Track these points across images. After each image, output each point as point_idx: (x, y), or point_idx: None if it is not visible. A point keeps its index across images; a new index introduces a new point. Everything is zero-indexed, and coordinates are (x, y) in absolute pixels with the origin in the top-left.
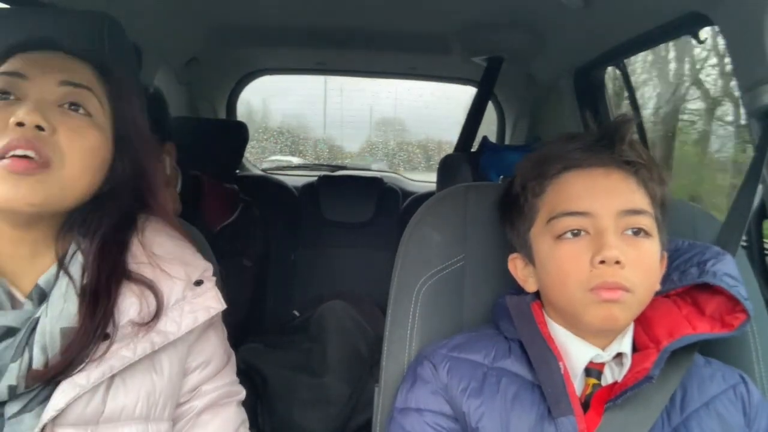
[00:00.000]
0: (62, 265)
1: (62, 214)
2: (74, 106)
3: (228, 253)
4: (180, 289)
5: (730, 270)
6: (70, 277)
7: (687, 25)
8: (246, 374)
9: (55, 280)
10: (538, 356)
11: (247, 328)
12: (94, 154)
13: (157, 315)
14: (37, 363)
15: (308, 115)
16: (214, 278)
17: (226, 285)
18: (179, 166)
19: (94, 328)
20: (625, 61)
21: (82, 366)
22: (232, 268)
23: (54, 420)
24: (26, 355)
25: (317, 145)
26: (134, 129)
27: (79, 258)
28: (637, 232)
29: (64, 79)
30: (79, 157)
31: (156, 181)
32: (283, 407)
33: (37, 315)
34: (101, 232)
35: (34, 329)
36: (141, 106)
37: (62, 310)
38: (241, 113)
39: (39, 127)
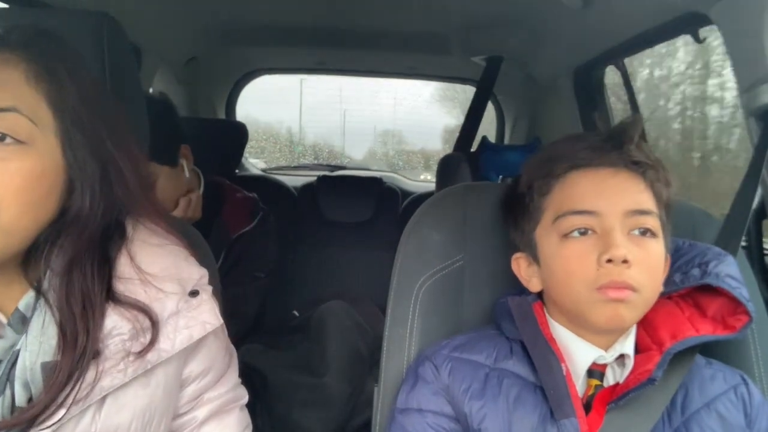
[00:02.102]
0: (39, 291)
1: (23, 249)
2: (0, 135)
3: (241, 262)
4: (174, 302)
5: (732, 271)
6: (49, 305)
7: (686, 25)
8: (245, 374)
9: (35, 303)
10: (541, 358)
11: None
12: (31, 190)
13: (152, 342)
14: (20, 400)
15: (331, 132)
16: (210, 288)
17: (233, 294)
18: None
19: (74, 366)
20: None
21: (69, 405)
22: (243, 277)
23: None
24: (8, 392)
25: (341, 158)
26: (88, 126)
27: (55, 283)
28: (644, 232)
29: None
30: (16, 198)
31: (131, 176)
32: (282, 407)
33: (17, 347)
34: (67, 259)
35: (15, 363)
36: (96, 91)
37: (41, 343)
38: (284, 136)
39: None
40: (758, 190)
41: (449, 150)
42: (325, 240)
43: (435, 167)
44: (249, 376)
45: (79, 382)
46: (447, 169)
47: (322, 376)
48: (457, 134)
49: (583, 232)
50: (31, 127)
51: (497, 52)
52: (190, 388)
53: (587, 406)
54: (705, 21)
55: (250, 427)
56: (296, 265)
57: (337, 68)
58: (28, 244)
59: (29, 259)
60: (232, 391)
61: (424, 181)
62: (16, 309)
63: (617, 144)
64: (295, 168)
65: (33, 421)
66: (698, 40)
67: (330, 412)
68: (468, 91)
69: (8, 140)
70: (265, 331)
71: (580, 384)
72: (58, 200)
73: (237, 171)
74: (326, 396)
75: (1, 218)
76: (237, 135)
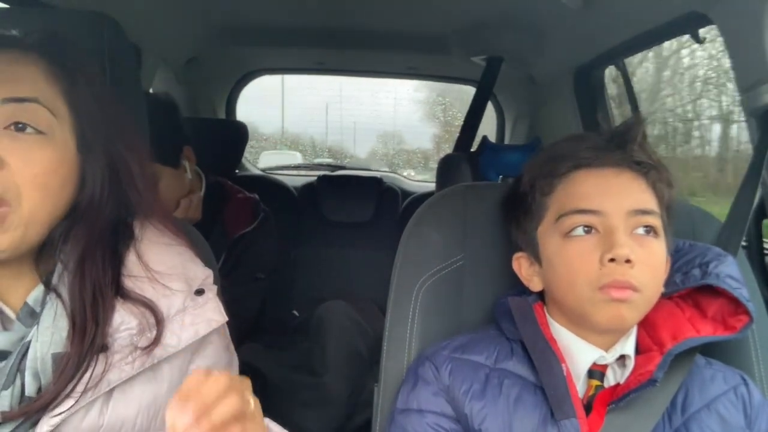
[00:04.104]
0: (49, 285)
1: (39, 241)
2: (21, 125)
3: (242, 263)
4: (180, 300)
5: (733, 272)
6: (60, 298)
7: (686, 25)
8: (245, 374)
9: (44, 298)
10: (541, 358)
11: (247, 328)
12: (51, 177)
13: (156, 339)
14: (30, 390)
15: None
16: (215, 287)
17: (234, 295)
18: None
19: (83, 357)
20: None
21: (78, 396)
22: (243, 277)
23: None
24: (18, 382)
25: (343, 157)
26: (100, 124)
27: (66, 277)
28: (647, 231)
29: (6, 95)
30: (36, 187)
31: (139, 176)
32: (282, 407)
33: (28, 338)
34: (79, 250)
35: (25, 354)
36: (108, 93)
37: (53, 334)
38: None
39: None
40: (758, 190)
41: (437, 149)
42: (325, 240)
43: (421, 164)
44: (249, 375)
45: (88, 373)
46: (447, 169)
47: (322, 375)
48: (447, 135)
49: (586, 231)
50: (50, 118)
51: (497, 53)
52: None
53: (588, 407)
54: (705, 21)
55: None
56: (296, 265)
57: (337, 68)
58: (43, 237)
59: (41, 254)
60: None
61: (408, 177)
62: (26, 303)
63: (620, 144)
64: (295, 168)
65: (42, 410)
66: (698, 41)
67: (330, 411)
68: (454, 108)
69: (29, 130)
70: (265, 331)
71: (580, 385)
72: (72, 193)
73: (237, 171)
74: (326, 396)
75: (22, 209)
76: (237, 135)
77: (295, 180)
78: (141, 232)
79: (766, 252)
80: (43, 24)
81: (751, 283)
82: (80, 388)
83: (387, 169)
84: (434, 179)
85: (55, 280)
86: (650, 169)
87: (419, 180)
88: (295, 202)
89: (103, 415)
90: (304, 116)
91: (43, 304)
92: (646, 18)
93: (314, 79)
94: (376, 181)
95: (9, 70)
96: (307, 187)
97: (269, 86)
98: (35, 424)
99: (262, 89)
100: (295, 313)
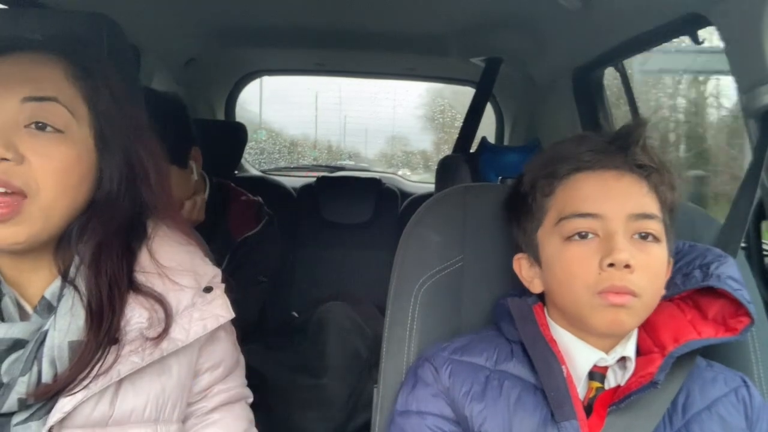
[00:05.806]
0: (66, 277)
1: (58, 232)
2: (41, 124)
3: (245, 265)
4: (189, 296)
5: (733, 273)
6: (77, 290)
7: (686, 26)
8: (246, 375)
9: (61, 291)
10: (541, 359)
11: (247, 330)
12: (69, 173)
13: (165, 330)
14: (47, 377)
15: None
16: (223, 285)
17: (236, 297)
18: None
19: (99, 344)
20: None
21: (89, 381)
22: (246, 280)
23: (61, 422)
24: (35, 369)
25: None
26: (118, 125)
27: (83, 270)
28: (646, 236)
29: (27, 95)
30: (54, 181)
31: (154, 176)
32: (282, 408)
33: (45, 328)
34: (96, 242)
35: (42, 342)
36: (126, 95)
37: (70, 323)
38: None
39: (5, 158)
40: (758, 191)
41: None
42: (325, 241)
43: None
44: (249, 376)
45: (101, 361)
46: (446, 170)
47: (322, 377)
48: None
49: (585, 236)
50: (68, 116)
51: (496, 54)
52: (202, 379)
53: (588, 409)
54: (704, 22)
55: (253, 422)
56: (296, 267)
57: (336, 69)
58: (62, 228)
59: (59, 248)
60: (240, 387)
61: (403, 176)
62: (43, 297)
63: (622, 146)
64: (295, 169)
65: (58, 394)
66: (697, 42)
67: (329, 413)
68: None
69: (49, 129)
70: (265, 333)
71: (581, 386)
72: (89, 189)
73: (236, 172)
74: (326, 397)
75: (40, 201)
76: (236, 136)
77: (294, 181)
78: (154, 231)
79: (765, 253)
80: (66, 28)
81: (750, 284)
82: (92, 375)
83: (391, 169)
84: (430, 179)
85: (72, 272)
86: (652, 173)
87: (415, 180)
88: (295, 203)
89: (113, 405)
90: (322, 120)
91: (60, 297)
92: (645, 19)
93: (330, 85)
94: (375, 182)
95: (31, 70)
96: (306, 189)
97: (297, 89)
98: (49, 411)
99: (287, 91)
100: (295, 314)
